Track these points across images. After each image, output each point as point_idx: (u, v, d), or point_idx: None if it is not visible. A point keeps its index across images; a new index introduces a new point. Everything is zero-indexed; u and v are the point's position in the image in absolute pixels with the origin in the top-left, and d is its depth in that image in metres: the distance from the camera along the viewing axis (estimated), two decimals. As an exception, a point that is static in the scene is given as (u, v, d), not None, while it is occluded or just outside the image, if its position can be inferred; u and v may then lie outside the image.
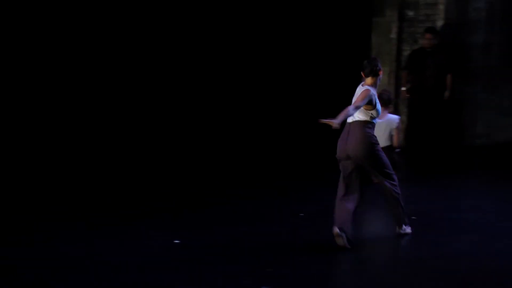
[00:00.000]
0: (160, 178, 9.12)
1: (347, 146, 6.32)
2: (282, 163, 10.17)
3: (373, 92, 6.41)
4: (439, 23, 10.66)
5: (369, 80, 6.48)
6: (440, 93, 10.45)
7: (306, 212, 7.49)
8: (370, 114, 6.43)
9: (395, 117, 8.79)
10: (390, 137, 8.66)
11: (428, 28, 10.54)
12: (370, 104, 6.34)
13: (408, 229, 6.58)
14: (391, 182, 6.53)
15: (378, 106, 6.54)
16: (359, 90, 6.43)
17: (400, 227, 6.57)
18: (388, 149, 8.69)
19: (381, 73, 6.53)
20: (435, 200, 8.08)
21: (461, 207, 7.80)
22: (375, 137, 6.53)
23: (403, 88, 10.65)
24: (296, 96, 12.11)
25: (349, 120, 6.37)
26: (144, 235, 6.53)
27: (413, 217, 7.20)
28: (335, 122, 6.04)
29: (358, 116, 6.36)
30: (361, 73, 6.50)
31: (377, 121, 8.06)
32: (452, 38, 10.69)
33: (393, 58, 11.09)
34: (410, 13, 10.97)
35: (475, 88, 10.99)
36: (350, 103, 6.35)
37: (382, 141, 8.61)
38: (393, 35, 11.10)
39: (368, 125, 6.43)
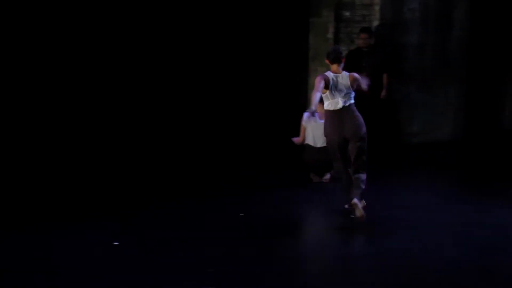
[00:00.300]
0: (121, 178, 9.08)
1: (345, 129, 7.09)
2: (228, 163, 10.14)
3: (329, 76, 7.09)
4: (375, 23, 10.77)
5: (334, 67, 7.17)
6: (376, 93, 10.54)
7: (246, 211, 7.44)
8: (328, 98, 7.13)
9: None
10: None
11: (363, 28, 10.64)
12: (326, 89, 7.04)
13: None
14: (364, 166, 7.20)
15: (340, 87, 7.14)
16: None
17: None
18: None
19: (343, 60, 7.25)
20: (372, 198, 8.11)
21: (397, 205, 7.88)
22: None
23: None
24: (237, 96, 12.12)
25: (339, 106, 7.10)
26: (84, 236, 6.39)
27: (351, 215, 7.26)
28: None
29: (348, 101, 7.15)
30: (326, 61, 7.23)
31: (319, 122, 8.19)
32: (387, 38, 10.81)
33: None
34: (347, 14, 11.05)
35: (411, 88, 11.15)
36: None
37: (322, 142, 8.66)
38: (330, 35, 11.17)
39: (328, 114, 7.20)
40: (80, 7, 11.12)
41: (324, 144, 8.69)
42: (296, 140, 8.94)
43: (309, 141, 8.80)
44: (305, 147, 8.85)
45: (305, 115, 8.89)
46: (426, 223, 7.11)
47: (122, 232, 6.59)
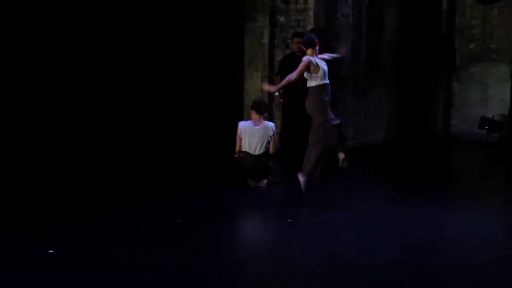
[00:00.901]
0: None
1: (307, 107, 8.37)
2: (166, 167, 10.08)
3: (312, 58, 8.17)
4: (309, 28, 10.87)
5: (309, 51, 8.31)
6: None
7: (184, 217, 7.42)
8: (318, 76, 8.16)
9: (271, 124, 8.92)
10: (267, 143, 8.77)
11: (295, 32, 10.74)
12: (315, 66, 8.11)
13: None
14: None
15: (322, 66, 8.21)
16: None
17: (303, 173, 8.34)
18: (265, 155, 8.80)
19: (318, 44, 8.32)
20: (309, 202, 8.23)
21: (333, 208, 7.98)
22: (326, 99, 8.32)
23: (277, 93, 10.80)
24: (174, 100, 12.11)
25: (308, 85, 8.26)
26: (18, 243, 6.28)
27: (289, 219, 7.33)
28: (272, 89, 8.71)
29: (310, 83, 8.21)
30: (303, 47, 8.42)
31: (254, 127, 8.31)
32: (322, 43, 10.93)
33: (266, 63, 11.24)
34: (281, 19, 11.14)
35: (345, 93, 11.31)
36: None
37: (259, 148, 8.71)
38: (265, 40, 11.24)
39: (319, 88, 8.23)
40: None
41: (262, 151, 8.76)
42: (236, 151, 8.96)
43: (246, 148, 8.84)
44: (242, 154, 8.88)
45: (240, 124, 8.94)
46: (362, 226, 7.23)
47: (58, 240, 6.50)
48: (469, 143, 12.26)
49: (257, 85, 11.46)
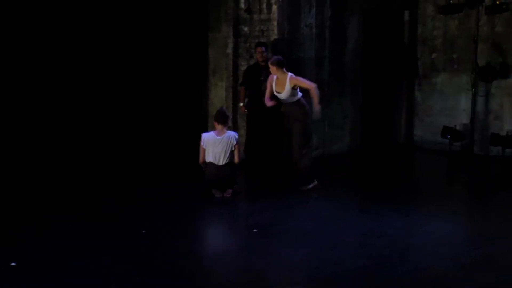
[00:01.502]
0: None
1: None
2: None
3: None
4: (273, 38, 10.90)
5: (280, 69, 9.16)
6: (276, 106, 10.68)
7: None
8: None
9: (233, 133, 8.92)
10: (231, 153, 8.77)
11: (258, 42, 10.77)
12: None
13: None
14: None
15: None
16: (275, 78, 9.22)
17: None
18: (229, 165, 8.79)
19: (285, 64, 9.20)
20: (275, 212, 8.23)
21: (299, 217, 8.01)
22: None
23: (241, 104, 10.84)
24: (137, 110, 12.06)
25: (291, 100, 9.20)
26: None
27: (254, 230, 7.33)
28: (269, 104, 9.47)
29: (294, 98, 9.18)
30: (271, 65, 9.20)
31: (217, 137, 8.32)
32: (286, 53, 10.97)
33: (230, 73, 11.22)
34: (245, 29, 11.15)
35: (309, 102, 11.33)
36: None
37: (223, 158, 8.71)
38: (229, 50, 11.23)
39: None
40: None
41: (226, 161, 8.76)
42: (200, 162, 8.95)
43: (210, 159, 8.82)
44: (207, 164, 8.86)
45: (203, 135, 8.94)
46: (327, 234, 7.26)
47: (20, 252, 6.41)
48: (432, 152, 12.39)
49: (222, 95, 11.45)
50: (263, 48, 10.60)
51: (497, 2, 11.41)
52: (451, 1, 11.87)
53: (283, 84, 9.18)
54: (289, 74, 9.17)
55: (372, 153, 12.13)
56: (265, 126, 10.58)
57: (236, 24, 11.17)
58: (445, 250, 6.75)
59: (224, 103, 11.24)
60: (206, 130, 11.46)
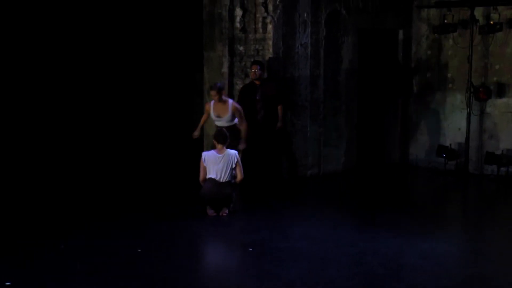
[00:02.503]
0: None
1: None
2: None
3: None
4: (268, 57, 10.95)
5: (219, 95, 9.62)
6: (271, 125, 10.73)
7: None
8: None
9: (233, 152, 8.94)
10: (231, 171, 8.79)
11: (254, 61, 10.82)
12: None
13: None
14: None
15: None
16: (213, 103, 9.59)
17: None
18: (229, 184, 8.79)
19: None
20: (269, 230, 8.23)
21: (294, 236, 8.00)
22: None
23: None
24: (134, 128, 12.08)
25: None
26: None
27: (250, 249, 7.32)
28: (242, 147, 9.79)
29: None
30: (211, 90, 9.68)
31: (218, 155, 8.37)
32: (281, 71, 11.03)
33: (226, 92, 11.24)
34: (240, 48, 11.20)
35: (304, 121, 11.38)
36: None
37: (224, 175, 8.73)
38: (225, 69, 11.27)
39: None
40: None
41: (227, 179, 8.77)
42: (201, 180, 8.97)
43: (212, 175, 8.82)
44: (206, 181, 8.86)
45: (203, 153, 8.98)
46: (321, 253, 7.25)
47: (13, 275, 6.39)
48: (427, 171, 12.40)
49: (217, 114, 11.46)
50: (258, 67, 10.64)
51: (491, 22, 11.48)
52: (445, 21, 11.94)
53: (224, 110, 9.68)
54: (230, 100, 9.84)
55: (367, 172, 12.14)
56: (260, 144, 10.59)
57: (231, 43, 11.21)
58: (439, 269, 6.74)
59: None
60: (201, 149, 11.46)
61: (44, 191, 10.06)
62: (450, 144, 12.16)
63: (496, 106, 11.78)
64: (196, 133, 10.08)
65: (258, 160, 10.69)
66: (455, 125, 12.27)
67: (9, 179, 10.47)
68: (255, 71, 10.62)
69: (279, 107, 10.81)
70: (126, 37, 12.50)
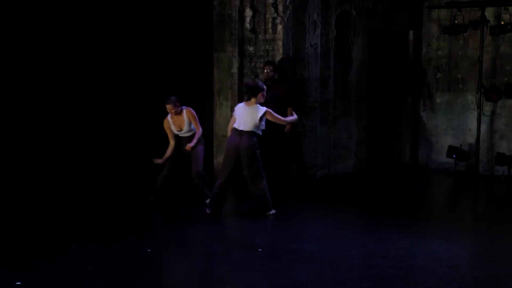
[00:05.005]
0: None
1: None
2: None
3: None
4: (278, 58, 10.95)
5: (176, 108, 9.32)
6: (281, 126, 10.70)
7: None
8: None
9: (263, 108, 8.95)
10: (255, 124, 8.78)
11: (267, 61, 10.80)
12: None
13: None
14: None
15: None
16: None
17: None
18: (252, 134, 8.85)
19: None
20: (279, 231, 8.22)
21: (303, 238, 7.99)
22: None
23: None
24: (143, 129, 12.09)
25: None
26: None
27: (260, 249, 7.31)
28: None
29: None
30: (167, 104, 9.33)
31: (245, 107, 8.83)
32: (291, 72, 11.02)
33: (235, 92, 11.27)
34: (250, 49, 11.20)
35: (314, 122, 11.37)
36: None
37: (245, 127, 8.78)
38: (235, 70, 11.28)
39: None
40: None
41: (249, 130, 8.85)
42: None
43: (236, 125, 8.87)
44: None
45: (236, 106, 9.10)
46: (331, 255, 7.24)
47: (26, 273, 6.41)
48: (437, 172, 12.37)
49: (227, 114, 11.47)
50: (271, 67, 10.61)
51: (502, 23, 11.44)
52: (455, 22, 11.90)
53: (182, 121, 9.45)
54: (183, 107, 9.44)
55: (377, 173, 12.12)
56: (270, 145, 10.58)
57: (241, 44, 11.22)
58: (449, 271, 6.72)
59: (229, 121, 11.26)
60: (211, 149, 11.50)
61: (53, 192, 10.08)
62: (461, 145, 12.13)
63: (507, 106, 11.74)
64: (159, 160, 9.73)
65: (268, 162, 10.66)
66: (465, 126, 12.24)
67: (14, 180, 10.49)
68: (268, 72, 10.60)
69: (289, 109, 10.78)
70: (136, 38, 12.52)
